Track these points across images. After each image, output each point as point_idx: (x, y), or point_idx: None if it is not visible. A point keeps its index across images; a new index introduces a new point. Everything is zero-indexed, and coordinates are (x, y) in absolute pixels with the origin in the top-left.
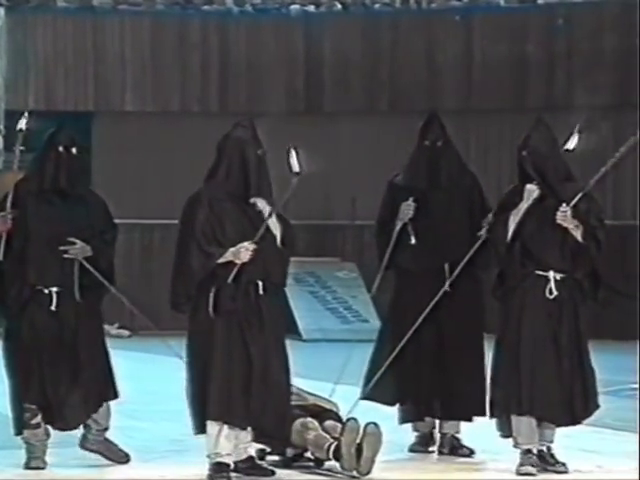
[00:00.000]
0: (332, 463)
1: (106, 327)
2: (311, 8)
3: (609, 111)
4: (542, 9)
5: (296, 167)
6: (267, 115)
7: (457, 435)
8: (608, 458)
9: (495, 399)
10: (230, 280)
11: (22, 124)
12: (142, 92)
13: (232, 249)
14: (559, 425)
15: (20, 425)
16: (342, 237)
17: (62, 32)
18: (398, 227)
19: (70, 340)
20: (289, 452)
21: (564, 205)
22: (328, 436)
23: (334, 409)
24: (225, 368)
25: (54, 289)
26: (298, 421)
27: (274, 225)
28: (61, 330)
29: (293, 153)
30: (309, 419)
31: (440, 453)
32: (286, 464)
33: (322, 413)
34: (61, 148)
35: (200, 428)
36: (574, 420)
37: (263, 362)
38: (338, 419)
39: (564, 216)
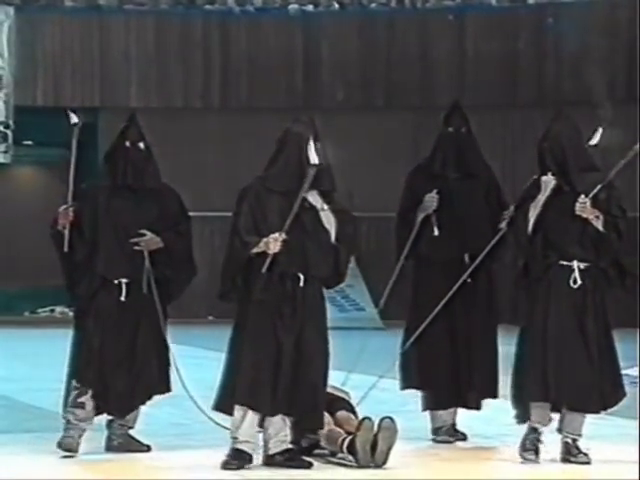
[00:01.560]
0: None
1: None
2: (309, 7)
3: (596, 107)
4: (532, 8)
5: (314, 159)
6: (266, 111)
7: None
8: (596, 441)
9: (519, 388)
10: (264, 270)
11: (74, 119)
12: (146, 88)
13: (264, 239)
14: (588, 412)
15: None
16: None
17: (69, 31)
18: (420, 218)
19: (133, 331)
20: (304, 442)
21: (582, 196)
22: (342, 431)
23: (346, 397)
24: (253, 355)
25: (123, 280)
26: None
27: (327, 219)
28: (126, 320)
29: (312, 145)
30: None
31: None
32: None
33: (334, 402)
34: (128, 143)
35: (218, 406)
36: (604, 406)
37: (295, 352)
38: (351, 408)
39: (583, 207)
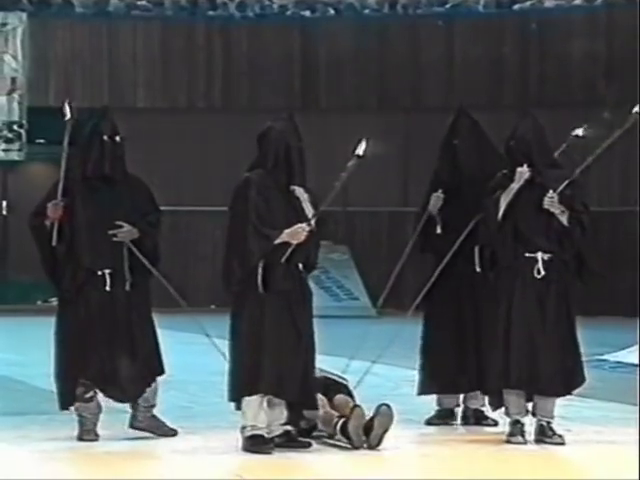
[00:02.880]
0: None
1: None
2: (307, 13)
3: (577, 108)
4: (517, 14)
5: (360, 151)
6: (266, 111)
7: (482, 408)
8: (577, 423)
9: (487, 375)
10: (283, 260)
11: (67, 114)
12: (152, 89)
13: (288, 230)
14: (551, 396)
15: (65, 400)
16: (335, 222)
17: (80, 35)
18: (425, 217)
19: (124, 319)
20: (303, 424)
21: (551, 191)
22: (335, 413)
23: (344, 382)
24: (277, 345)
25: (107, 271)
26: None
27: (308, 210)
28: (115, 310)
29: (364, 142)
30: (319, 396)
31: (466, 424)
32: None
33: (333, 386)
34: (105, 137)
35: (233, 397)
36: (567, 391)
37: (307, 338)
38: (347, 392)
39: (551, 202)
